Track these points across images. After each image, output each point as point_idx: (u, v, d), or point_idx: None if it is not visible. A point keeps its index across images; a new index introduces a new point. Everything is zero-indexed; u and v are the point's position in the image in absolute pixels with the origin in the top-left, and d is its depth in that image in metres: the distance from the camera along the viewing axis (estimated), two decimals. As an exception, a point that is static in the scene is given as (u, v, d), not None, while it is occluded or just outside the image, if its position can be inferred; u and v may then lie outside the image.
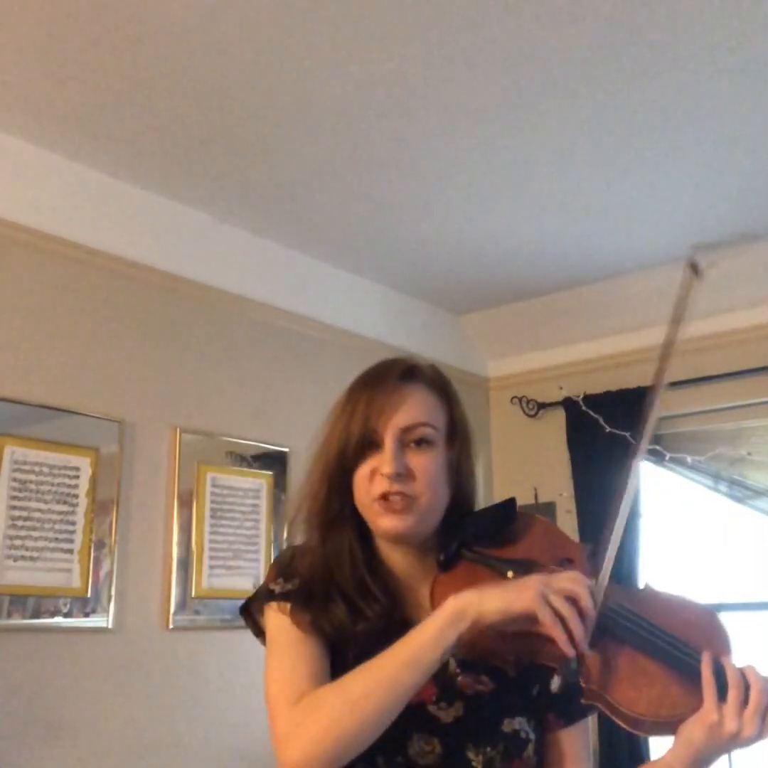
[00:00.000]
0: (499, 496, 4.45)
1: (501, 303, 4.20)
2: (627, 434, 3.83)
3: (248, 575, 3.20)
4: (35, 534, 2.68)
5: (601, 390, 4.00)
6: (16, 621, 2.61)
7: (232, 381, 3.35)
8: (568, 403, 4.11)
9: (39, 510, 2.70)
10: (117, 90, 2.53)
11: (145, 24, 2.26)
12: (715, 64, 2.44)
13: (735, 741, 1.08)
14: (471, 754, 1.17)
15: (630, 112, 2.66)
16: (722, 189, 3.14)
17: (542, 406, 4.29)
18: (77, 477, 2.81)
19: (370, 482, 1.25)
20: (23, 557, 2.65)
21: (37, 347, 2.80)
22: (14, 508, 2.65)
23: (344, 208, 3.26)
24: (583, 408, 4.01)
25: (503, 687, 1.21)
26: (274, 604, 1.24)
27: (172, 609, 2.98)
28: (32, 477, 2.70)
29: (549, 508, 4.16)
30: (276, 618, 1.23)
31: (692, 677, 1.11)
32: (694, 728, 1.09)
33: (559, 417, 4.17)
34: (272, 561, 1.33)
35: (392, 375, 1.31)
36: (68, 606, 2.73)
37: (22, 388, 2.73)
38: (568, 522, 4.07)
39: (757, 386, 3.70)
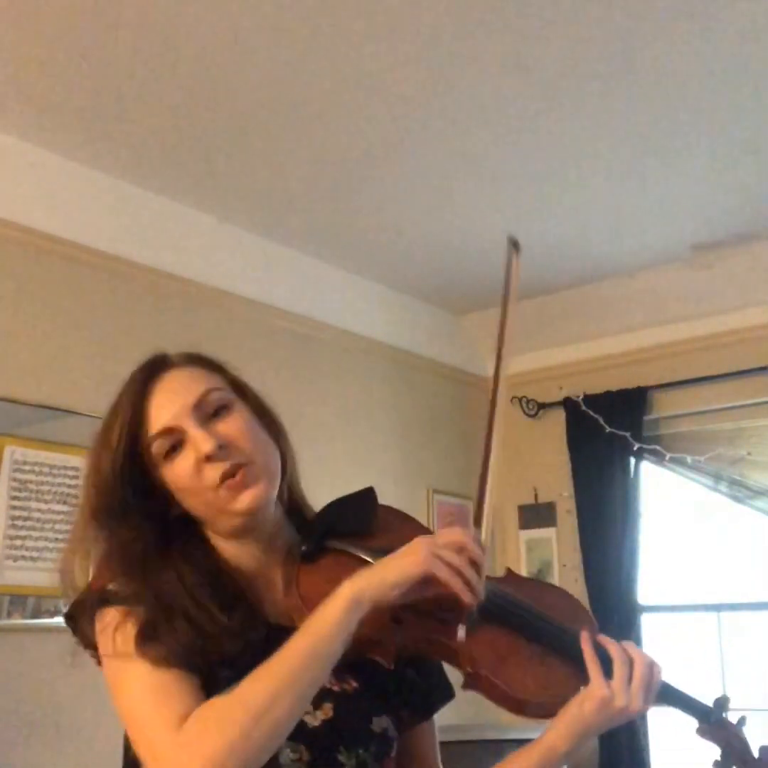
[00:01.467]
0: (500, 496, 4.45)
1: (501, 303, 4.20)
2: (627, 434, 3.83)
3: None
4: (35, 534, 2.68)
5: (601, 390, 4.00)
6: (16, 621, 2.61)
7: (232, 381, 3.35)
8: (568, 403, 4.11)
9: (39, 510, 2.70)
10: (118, 90, 2.53)
11: (146, 24, 2.26)
12: (716, 65, 2.45)
13: (623, 714, 1.09)
14: (342, 758, 1.08)
15: (630, 114, 2.66)
16: (723, 189, 3.14)
17: (542, 406, 4.29)
18: (77, 477, 2.80)
19: (198, 478, 1.10)
20: (23, 557, 2.65)
21: (36, 347, 2.80)
22: (14, 508, 2.65)
23: (345, 209, 3.26)
24: (583, 408, 4.01)
25: (366, 686, 1.14)
26: (119, 609, 1.05)
27: (172, 609, 2.98)
28: (32, 477, 2.70)
29: (549, 508, 4.16)
30: (125, 625, 1.04)
31: (573, 657, 1.12)
32: (584, 705, 1.09)
33: (559, 417, 4.17)
34: (100, 561, 1.12)
35: (147, 373, 1.16)
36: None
37: (22, 388, 2.73)
38: (568, 522, 4.07)
39: (757, 386, 3.70)
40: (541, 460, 4.26)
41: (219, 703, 0.97)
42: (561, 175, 3.03)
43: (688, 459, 3.84)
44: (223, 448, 1.10)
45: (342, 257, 3.67)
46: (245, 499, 1.10)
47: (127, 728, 1.03)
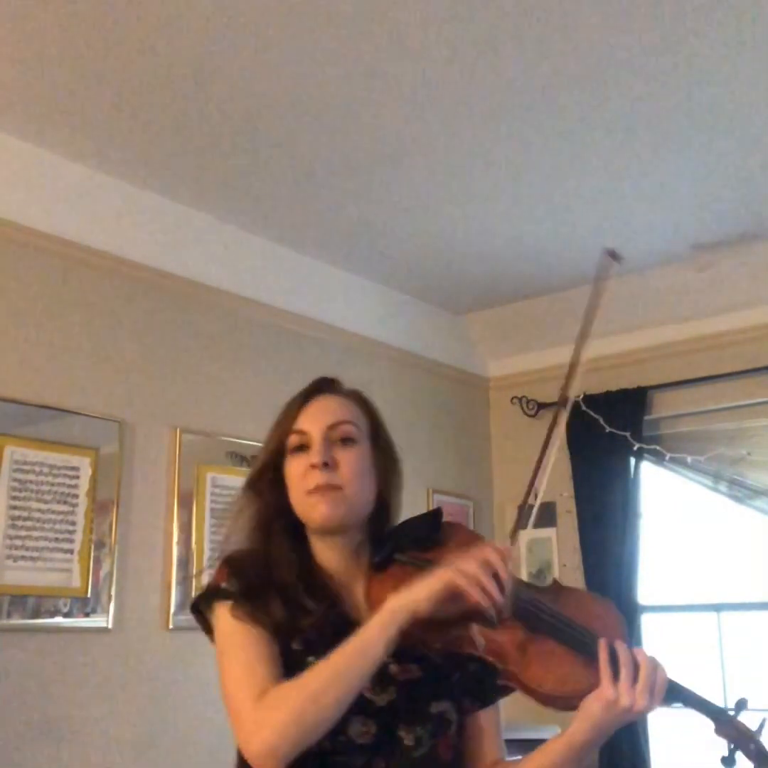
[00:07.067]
0: (499, 496, 4.42)
1: (501, 303, 4.20)
2: (627, 434, 3.83)
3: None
4: (35, 534, 2.68)
5: (601, 390, 4.00)
6: (16, 621, 2.61)
7: (232, 381, 3.35)
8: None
9: (39, 510, 2.70)
10: (118, 90, 2.53)
11: (146, 24, 2.26)
12: (715, 66, 2.45)
13: (629, 713, 1.24)
14: (403, 733, 1.31)
15: (630, 114, 2.66)
16: (722, 189, 3.14)
17: (542, 406, 4.29)
18: (77, 477, 2.81)
19: (303, 478, 1.38)
20: (23, 557, 2.65)
21: (37, 347, 2.80)
22: (14, 508, 2.65)
23: (344, 208, 3.26)
24: (583, 408, 4.01)
25: (429, 674, 1.36)
26: (225, 603, 1.33)
27: (172, 609, 2.98)
28: (32, 477, 2.70)
29: (549, 508, 4.15)
30: (227, 616, 1.33)
31: (592, 659, 1.27)
32: (593, 703, 1.24)
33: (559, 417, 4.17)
34: (221, 561, 1.42)
35: (315, 387, 1.47)
36: (68, 606, 2.73)
37: (22, 388, 2.73)
38: (568, 522, 4.06)
39: (757, 386, 3.70)
40: (541, 460, 4.25)
41: (287, 686, 1.23)
42: (561, 175, 3.03)
43: (688, 459, 3.84)
44: (328, 467, 1.37)
45: (342, 257, 3.67)
46: (321, 512, 1.36)
47: (222, 697, 1.29)
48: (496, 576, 1.24)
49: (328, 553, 1.41)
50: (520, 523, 1.39)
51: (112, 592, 2.83)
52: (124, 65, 2.43)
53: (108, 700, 2.78)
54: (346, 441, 1.40)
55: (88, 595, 2.77)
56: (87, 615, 2.77)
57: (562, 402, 1.53)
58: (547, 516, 4.15)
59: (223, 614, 1.33)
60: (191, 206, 3.21)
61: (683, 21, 2.27)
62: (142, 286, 3.12)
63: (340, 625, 1.29)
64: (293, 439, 1.40)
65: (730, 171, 3.01)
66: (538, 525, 4.20)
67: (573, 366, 1.53)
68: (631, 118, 2.69)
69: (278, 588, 1.34)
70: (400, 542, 1.39)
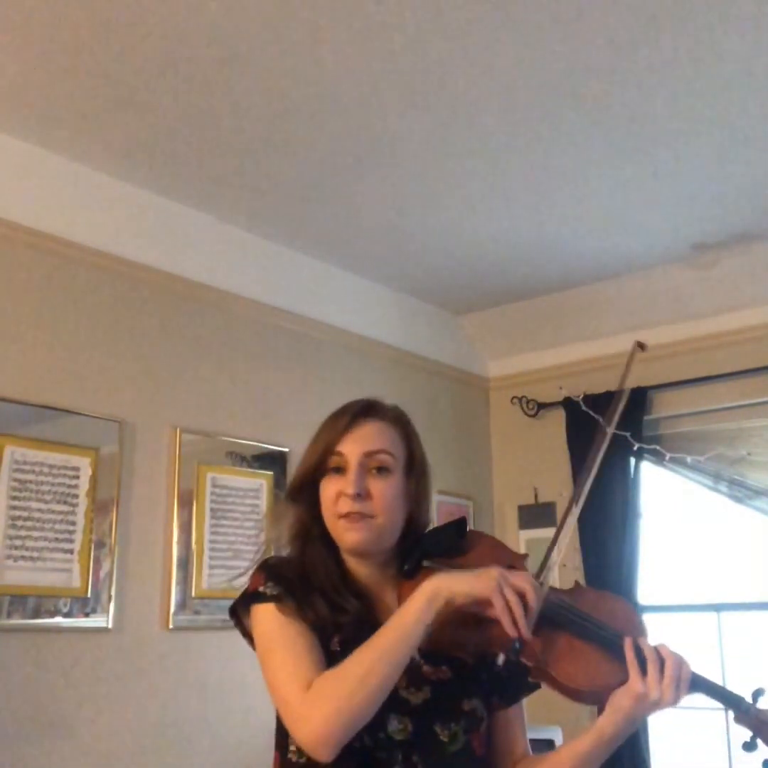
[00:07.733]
0: (499, 496, 4.43)
1: (501, 303, 4.21)
2: (627, 434, 3.83)
3: (249, 575, 3.20)
4: (35, 534, 2.68)
5: (601, 390, 4.00)
6: (16, 621, 2.61)
7: (232, 381, 3.35)
8: (568, 403, 4.11)
9: (39, 510, 2.70)
10: (117, 90, 2.53)
11: (145, 24, 2.26)
12: (717, 66, 2.45)
13: (657, 706, 1.32)
14: (438, 730, 1.40)
15: (629, 114, 2.67)
16: (722, 189, 3.14)
17: (542, 406, 4.29)
18: (77, 477, 2.81)
19: (335, 503, 1.44)
20: (23, 557, 2.65)
21: (37, 347, 2.80)
22: (14, 508, 2.65)
23: (345, 209, 3.26)
24: (583, 408, 4.01)
25: (460, 674, 1.44)
26: (265, 605, 1.39)
27: (172, 609, 2.98)
28: (32, 477, 2.70)
29: (549, 508, 4.16)
30: (268, 617, 1.38)
31: (618, 655, 1.35)
32: (624, 698, 1.32)
33: (559, 417, 4.17)
34: (257, 567, 1.49)
35: (357, 409, 1.51)
36: (68, 606, 2.73)
37: (22, 388, 2.73)
38: (568, 521, 4.06)
39: (757, 386, 3.70)
40: (541, 460, 4.26)
41: (331, 674, 1.29)
42: (560, 175, 3.03)
43: (688, 459, 3.84)
44: (360, 496, 1.42)
45: (342, 257, 3.67)
46: (352, 538, 1.43)
47: (270, 692, 1.35)
48: (525, 606, 1.30)
49: (357, 567, 1.48)
50: (549, 554, 1.50)
51: (112, 592, 2.83)
52: (125, 65, 2.43)
53: (108, 700, 2.78)
54: (381, 470, 1.46)
55: (88, 595, 2.77)
56: (87, 615, 2.77)
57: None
58: (547, 516, 4.15)
59: (264, 614, 1.38)
60: (191, 206, 3.21)
61: (686, 23, 2.27)
62: (142, 286, 3.12)
63: (373, 628, 1.34)
64: (333, 460, 1.46)
65: (730, 171, 3.01)
66: (537, 525, 4.20)
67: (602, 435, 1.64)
68: (632, 120, 2.69)
69: (317, 589, 1.41)
70: (427, 550, 1.46)
